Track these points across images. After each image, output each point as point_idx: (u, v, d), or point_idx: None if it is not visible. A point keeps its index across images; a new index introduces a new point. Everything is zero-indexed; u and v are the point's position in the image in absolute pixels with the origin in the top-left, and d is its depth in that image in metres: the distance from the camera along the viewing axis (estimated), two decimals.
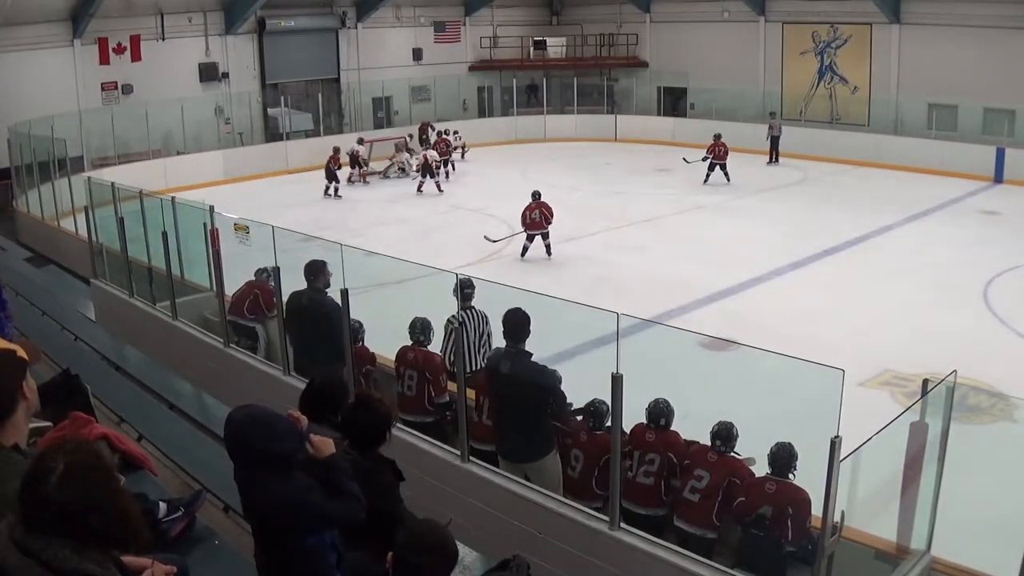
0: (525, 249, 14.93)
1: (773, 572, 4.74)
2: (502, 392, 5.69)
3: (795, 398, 5.40)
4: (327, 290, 6.94)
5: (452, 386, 6.31)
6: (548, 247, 14.89)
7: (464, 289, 6.53)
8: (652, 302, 11.70)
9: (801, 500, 4.67)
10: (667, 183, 21.70)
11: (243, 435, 3.03)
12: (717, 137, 21.55)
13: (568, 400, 5.55)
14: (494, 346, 6.35)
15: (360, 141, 23.12)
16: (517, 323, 5.41)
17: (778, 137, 24.20)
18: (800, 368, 4.03)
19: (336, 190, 20.91)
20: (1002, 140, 21.61)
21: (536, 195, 15.03)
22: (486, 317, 6.71)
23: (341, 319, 6.42)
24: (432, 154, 21.43)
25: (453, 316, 6.56)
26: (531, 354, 5.47)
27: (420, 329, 6.48)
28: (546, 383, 5.43)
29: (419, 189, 20.88)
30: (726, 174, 21.20)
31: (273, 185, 22.52)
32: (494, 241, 15.25)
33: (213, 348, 8.01)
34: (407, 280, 7.51)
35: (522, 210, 14.95)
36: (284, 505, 3.01)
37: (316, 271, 6.92)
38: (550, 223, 14.83)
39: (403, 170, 23.25)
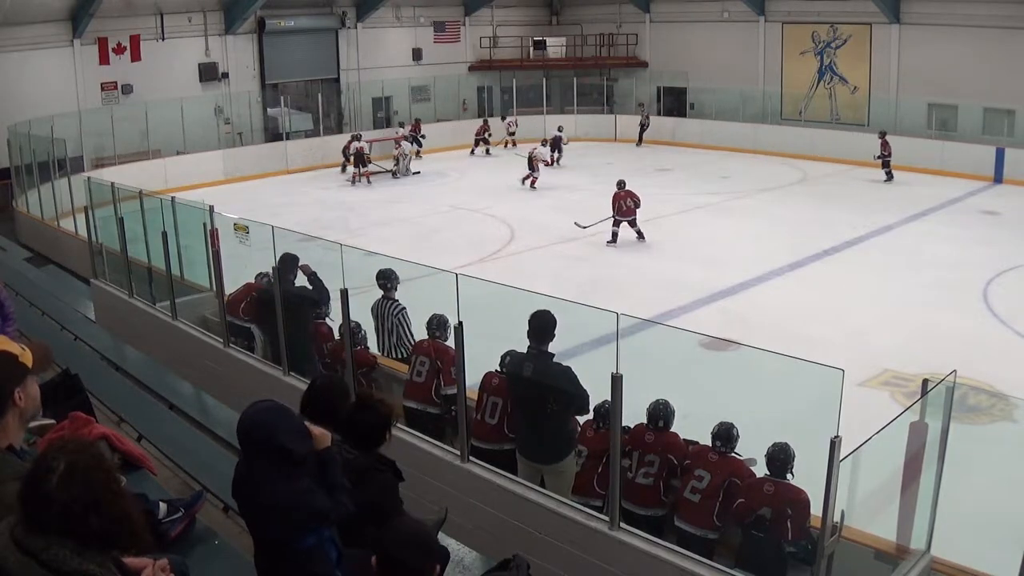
0: (615, 235, 15.69)
1: (773, 573, 4.74)
2: (524, 394, 5.68)
3: (795, 398, 5.40)
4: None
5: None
6: (640, 232, 15.71)
7: (381, 280, 7.41)
8: (652, 302, 11.70)
9: (799, 501, 4.66)
10: (667, 183, 21.69)
11: (264, 426, 3.04)
12: (883, 134, 21.53)
13: (591, 400, 5.51)
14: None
15: (357, 138, 23.05)
16: (542, 325, 5.40)
17: (646, 126, 27.21)
18: (800, 368, 4.04)
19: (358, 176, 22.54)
20: (1002, 140, 21.62)
21: (622, 183, 15.86)
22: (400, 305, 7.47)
23: (306, 308, 7.06)
24: (542, 151, 21.96)
25: (377, 302, 7.46)
26: (553, 355, 5.46)
27: (436, 325, 6.57)
28: (569, 386, 5.41)
29: (532, 184, 21.27)
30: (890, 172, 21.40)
31: (273, 185, 22.52)
32: (584, 227, 15.89)
33: (213, 348, 8.01)
34: (407, 280, 7.53)
35: (613, 198, 15.70)
36: (287, 506, 3.01)
37: (289, 264, 7.33)
38: (639, 207, 15.76)
39: (398, 162, 23.22)
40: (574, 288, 11.82)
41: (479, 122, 27.85)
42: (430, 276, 6.66)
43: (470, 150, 26.89)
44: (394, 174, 23.10)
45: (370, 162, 22.67)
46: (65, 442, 2.11)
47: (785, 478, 4.79)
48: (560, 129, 25.06)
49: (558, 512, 5.09)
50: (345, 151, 23.22)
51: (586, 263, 14.66)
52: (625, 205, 15.67)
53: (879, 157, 21.17)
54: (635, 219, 15.66)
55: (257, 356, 7.85)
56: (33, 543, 1.94)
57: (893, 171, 21.22)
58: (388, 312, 7.44)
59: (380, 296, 7.48)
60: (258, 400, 3.18)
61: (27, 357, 2.55)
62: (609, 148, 27.48)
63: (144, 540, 2.14)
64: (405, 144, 23.87)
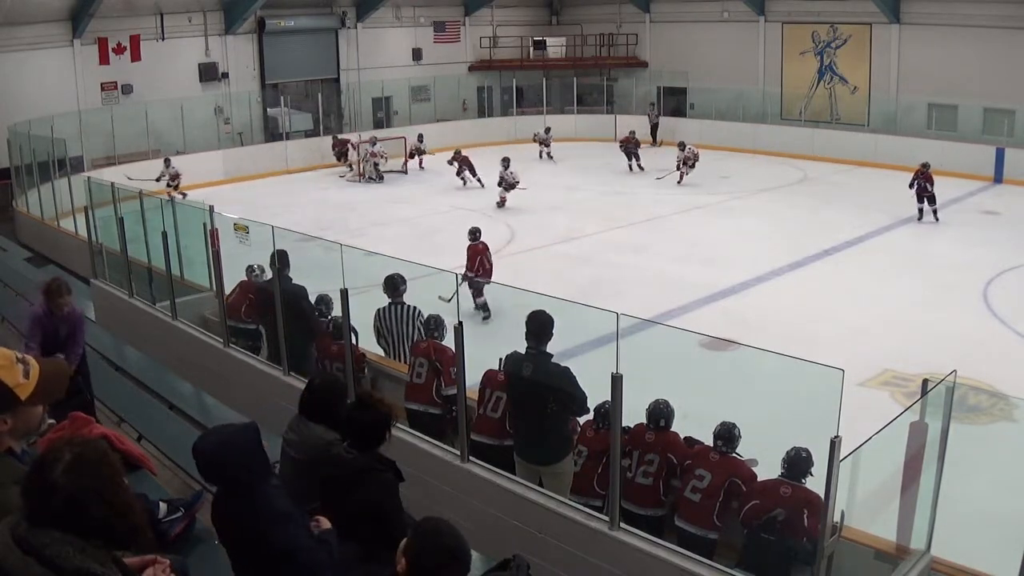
0: (477, 298, 11.13)
1: (776, 574, 4.73)
2: (523, 395, 5.67)
3: (795, 398, 5.40)
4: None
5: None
6: (485, 305, 11.21)
7: (390, 286, 7.34)
8: (652, 302, 11.69)
9: (816, 504, 4.62)
10: (667, 183, 21.69)
11: (216, 461, 3.08)
12: (926, 167, 17.22)
13: (588, 401, 5.48)
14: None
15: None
16: (540, 325, 5.38)
17: (656, 124, 27.28)
18: (800, 368, 4.04)
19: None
20: (1002, 140, 21.61)
21: (476, 233, 11.92)
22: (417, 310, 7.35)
23: (306, 302, 7.19)
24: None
25: (380, 308, 7.37)
26: (552, 355, 5.45)
27: (434, 325, 6.62)
28: (568, 387, 5.39)
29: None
30: (934, 211, 17.28)
31: (273, 185, 22.53)
32: (447, 300, 12.20)
33: (213, 348, 8.00)
34: (407, 280, 7.52)
35: (471, 251, 11.69)
36: (259, 538, 3.04)
37: (284, 259, 7.34)
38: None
39: (376, 167, 23.08)
40: (574, 288, 11.78)
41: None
42: (430, 276, 6.69)
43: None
44: (381, 178, 23.01)
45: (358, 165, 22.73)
46: (71, 438, 2.13)
47: (801, 482, 4.77)
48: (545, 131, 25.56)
49: (558, 512, 5.09)
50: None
51: (586, 263, 14.65)
52: (489, 261, 11.73)
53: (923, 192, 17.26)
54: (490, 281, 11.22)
55: (258, 356, 7.84)
56: (35, 539, 1.94)
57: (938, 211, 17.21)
58: (405, 318, 7.30)
59: (387, 303, 7.36)
60: (210, 431, 3.18)
61: (24, 388, 2.28)
62: (610, 148, 27.30)
63: (146, 536, 2.14)
64: (365, 147, 23.27)
